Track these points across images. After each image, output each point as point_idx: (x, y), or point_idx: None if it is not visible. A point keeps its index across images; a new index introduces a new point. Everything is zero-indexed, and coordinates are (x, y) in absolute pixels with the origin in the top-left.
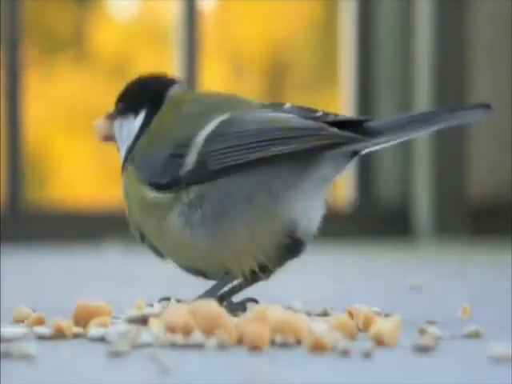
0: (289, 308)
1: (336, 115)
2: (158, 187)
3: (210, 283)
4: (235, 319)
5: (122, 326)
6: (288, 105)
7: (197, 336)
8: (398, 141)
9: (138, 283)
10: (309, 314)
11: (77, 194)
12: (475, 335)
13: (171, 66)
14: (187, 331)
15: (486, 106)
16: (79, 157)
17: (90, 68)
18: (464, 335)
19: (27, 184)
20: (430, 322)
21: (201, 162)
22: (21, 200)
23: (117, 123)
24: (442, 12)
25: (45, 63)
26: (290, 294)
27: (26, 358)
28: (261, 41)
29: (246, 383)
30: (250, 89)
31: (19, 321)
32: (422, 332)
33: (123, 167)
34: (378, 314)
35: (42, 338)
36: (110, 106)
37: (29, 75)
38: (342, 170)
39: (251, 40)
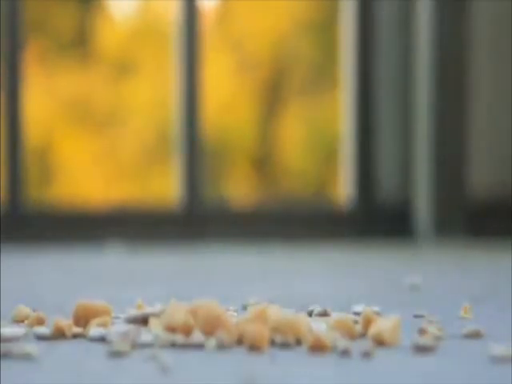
0: (289, 308)
1: None
2: None
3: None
4: (235, 319)
5: (121, 326)
6: None
7: (197, 336)
8: None
9: (138, 283)
10: (309, 314)
11: (79, 193)
12: (475, 335)
13: (173, 65)
14: (187, 331)
15: None
16: (82, 156)
17: (92, 67)
18: (464, 335)
19: (29, 184)
20: (430, 322)
21: None
22: (21, 200)
23: None
24: (442, 12)
25: (48, 62)
26: (290, 294)
27: (25, 357)
28: (261, 39)
29: (245, 383)
30: (251, 86)
31: (19, 321)
32: (422, 332)
33: None
34: (378, 313)
35: (42, 338)
36: (113, 104)
37: (32, 74)
38: None
39: (252, 38)
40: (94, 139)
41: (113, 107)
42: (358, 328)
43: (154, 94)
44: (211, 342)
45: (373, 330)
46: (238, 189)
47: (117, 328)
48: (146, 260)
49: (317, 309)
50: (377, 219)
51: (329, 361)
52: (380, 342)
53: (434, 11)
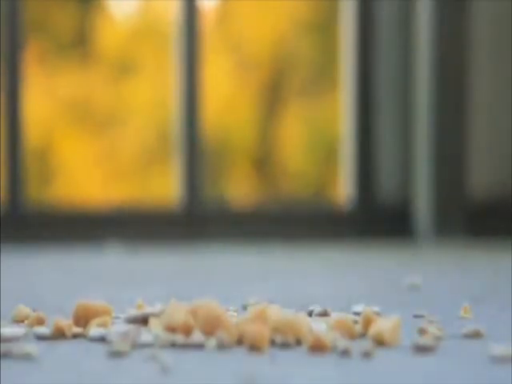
0: (289, 308)
1: None
2: None
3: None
4: (235, 319)
5: (121, 326)
6: None
7: (197, 336)
8: None
9: (138, 283)
10: (309, 314)
11: (79, 193)
12: (475, 335)
13: (173, 65)
14: (187, 331)
15: None
16: (82, 156)
17: (92, 67)
18: (464, 335)
19: (29, 184)
20: (430, 322)
21: None
22: (21, 200)
23: None
24: (442, 12)
25: (48, 62)
26: (290, 294)
27: (25, 357)
28: (261, 39)
29: (245, 383)
30: (251, 87)
31: (19, 321)
32: (422, 332)
33: None
34: (378, 314)
35: (41, 338)
36: (113, 104)
37: (32, 74)
38: None
39: (252, 39)
40: (94, 139)
41: (113, 107)
42: (358, 328)
43: (154, 94)
44: (211, 342)
45: (373, 330)
46: (238, 189)
47: (117, 328)
48: (145, 260)
49: (317, 309)
50: (377, 219)
51: (329, 361)
52: (380, 342)
53: (434, 11)
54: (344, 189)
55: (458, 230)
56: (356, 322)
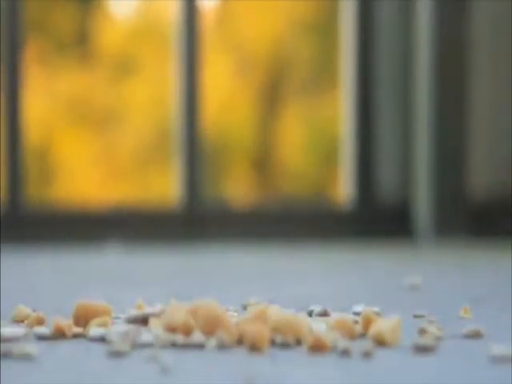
0: (289, 308)
1: None
2: None
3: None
4: (235, 319)
5: (121, 326)
6: None
7: (197, 336)
8: None
9: (138, 283)
10: (309, 314)
11: (79, 193)
12: (475, 335)
13: (173, 65)
14: (187, 331)
15: None
16: (82, 156)
17: (92, 67)
18: (464, 335)
19: (29, 184)
20: (430, 322)
21: None
22: (21, 200)
23: None
24: (442, 12)
25: (48, 62)
26: (290, 294)
27: (25, 357)
28: (261, 39)
29: (245, 383)
30: (251, 86)
31: (19, 321)
32: (422, 332)
33: None
34: (378, 314)
35: (42, 338)
36: (113, 104)
37: (32, 74)
38: None
39: (252, 38)
40: (94, 139)
41: (113, 107)
42: (358, 328)
43: (154, 93)
44: (211, 342)
45: (373, 330)
46: (238, 189)
47: (117, 328)
48: (145, 260)
49: (317, 309)
50: (377, 219)
51: (329, 361)
52: (380, 342)
53: (434, 11)
54: (344, 189)
55: (458, 230)
56: (356, 322)
